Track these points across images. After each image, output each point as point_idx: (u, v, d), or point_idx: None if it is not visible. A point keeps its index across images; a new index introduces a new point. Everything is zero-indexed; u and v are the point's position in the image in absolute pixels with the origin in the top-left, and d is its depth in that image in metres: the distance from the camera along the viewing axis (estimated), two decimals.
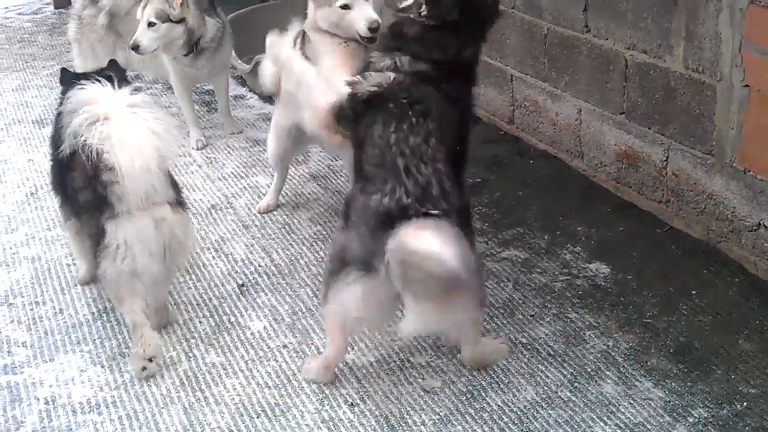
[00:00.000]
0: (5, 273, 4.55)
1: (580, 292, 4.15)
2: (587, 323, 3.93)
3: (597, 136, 5.08)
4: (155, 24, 5.35)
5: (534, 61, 5.51)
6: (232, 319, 4.11)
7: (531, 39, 5.49)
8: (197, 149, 5.90)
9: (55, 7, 9.19)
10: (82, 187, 3.67)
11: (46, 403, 3.63)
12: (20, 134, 6.24)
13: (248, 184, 5.39)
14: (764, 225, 4.09)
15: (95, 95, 3.60)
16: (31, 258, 4.68)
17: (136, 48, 5.40)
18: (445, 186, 3.25)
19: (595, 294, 4.12)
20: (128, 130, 3.49)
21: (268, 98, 6.56)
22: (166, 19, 5.37)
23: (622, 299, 4.07)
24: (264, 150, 5.57)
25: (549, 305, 4.07)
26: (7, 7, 9.28)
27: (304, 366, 3.74)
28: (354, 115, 3.42)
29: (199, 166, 5.68)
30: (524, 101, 5.68)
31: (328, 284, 3.40)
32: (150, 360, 3.72)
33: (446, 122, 3.36)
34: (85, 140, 3.46)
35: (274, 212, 5.02)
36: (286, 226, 4.87)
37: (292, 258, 4.57)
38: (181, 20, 5.42)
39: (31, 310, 4.23)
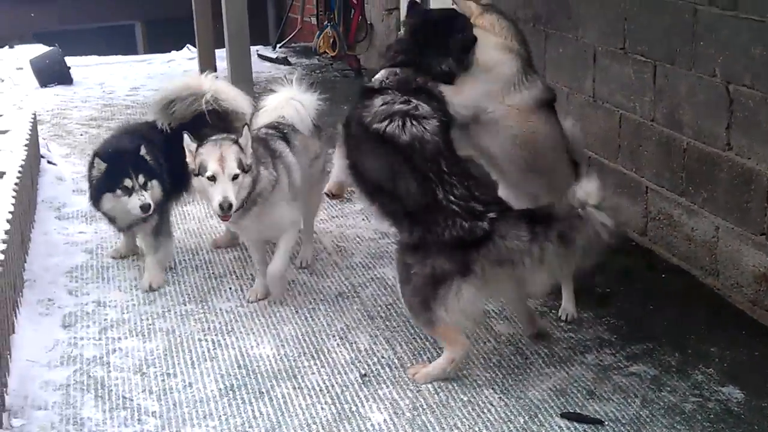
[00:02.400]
0: (141, 343, 4.73)
1: (711, 416, 4.01)
2: None
3: (734, 255, 4.96)
4: (238, 176, 4.62)
5: (671, 174, 5.46)
6: (353, 409, 4.13)
7: (669, 153, 5.46)
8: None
9: None
10: None
11: None
12: None
13: (375, 276, 5.47)
14: None
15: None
16: (166, 330, 4.85)
17: (228, 207, 4.55)
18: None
19: (727, 419, 3.98)
20: None
21: None
22: (245, 168, 4.66)
23: (755, 427, 3.92)
24: (391, 242, 5.66)
25: (678, 426, 3.94)
26: None
27: (420, 372, 4.36)
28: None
29: (329, 254, 5.80)
30: (659, 214, 5.62)
31: (430, 304, 4.12)
32: None
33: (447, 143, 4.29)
34: None
35: (398, 304, 5.07)
36: (410, 320, 4.90)
37: (416, 351, 4.59)
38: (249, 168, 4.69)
39: (163, 381, 4.37)
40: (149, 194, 5.12)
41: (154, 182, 5.19)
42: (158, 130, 5.55)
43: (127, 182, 5.08)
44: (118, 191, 5.10)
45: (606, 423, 3.97)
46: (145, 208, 5.09)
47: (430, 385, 4.29)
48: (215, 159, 4.57)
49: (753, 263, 4.82)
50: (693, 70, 5.14)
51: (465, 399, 4.20)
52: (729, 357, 4.47)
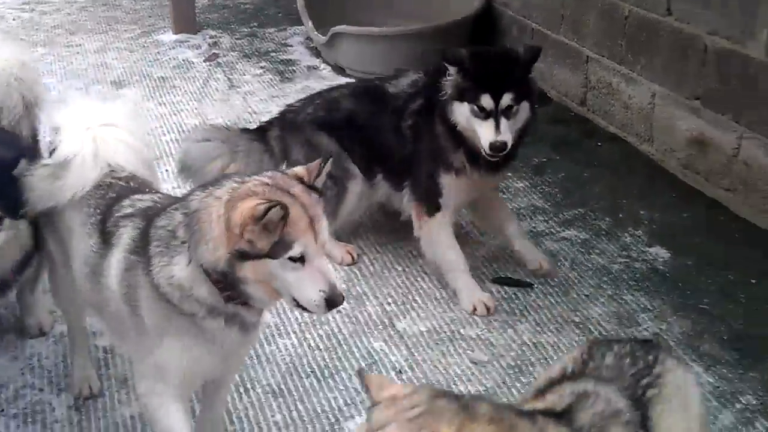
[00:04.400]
0: None
1: (637, 275, 4.11)
2: (642, 306, 3.89)
3: (669, 121, 4.99)
4: None
5: (612, 42, 5.43)
6: None
7: (611, 21, 5.41)
8: None
9: None
10: None
11: None
12: (99, 94, 6.40)
13: None
14: None
15: None
16: None
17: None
18: None
19: (652, 278, 4.08)
20: None
21: (341, 69, 6.63)
22: None
23: (679, 284, 4.02)
24: None
25: (605, 286, 4.05)
26: None
27: None
28: None
29: None
30: (598, 83, 5.61)
31: None
32: None
33: None
34: None
35: None
36: None
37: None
38: None
39: None
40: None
41: None
42: None
43: None
44: None
45: (536, 286, 4.06)
46: None
47: (365, 257, 4.34)
48: None
49: (686, 127, 4.86)
50: None
51: (399, 269, 4.26)
52: (658, 219, 4.55)
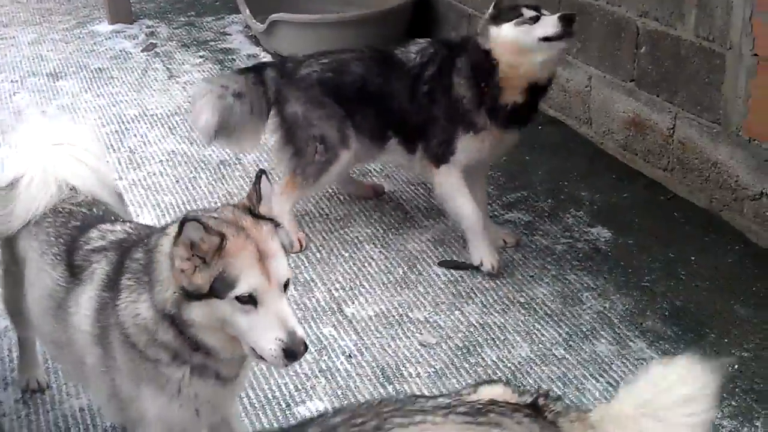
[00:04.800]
0: None
1: (580, 255, 4.19)
2: (585, 285, 3.97)
3: (606, 103, 5.09)
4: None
5: None
6: None
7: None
8: None
9: None
10: None
11: None
12: (34, 86, 6.29)
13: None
14: (766, 194, 4.10)
15: None
16: None
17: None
18: None
19: (594, 257, 4.16)
20: None
21: (280, 57, 6.59)
22: None
23: (621, 263, 4.11)
24: None
25: (548, 267, 4.12)
26: None
27: None
28: None
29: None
30: None
31: None
32: None
33: None
34: None
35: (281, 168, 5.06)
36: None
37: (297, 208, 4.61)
38: None
39: None
40: None
41: None
42: None
43: None
44: None
45: (481, 267, 4.10)
46: None
47: (312, 244, 4.35)
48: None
49: (623, 109, 4.95)
50: None
51: (346, 255, 4.28)
52: (599, 200, 4.63)
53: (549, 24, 3.81)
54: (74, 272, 2.59)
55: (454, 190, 4.09)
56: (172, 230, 2.30)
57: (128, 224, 2.75)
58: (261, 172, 2.39)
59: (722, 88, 4.25)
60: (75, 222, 2.75)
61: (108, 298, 2.47)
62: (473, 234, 4.08)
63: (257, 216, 2.30)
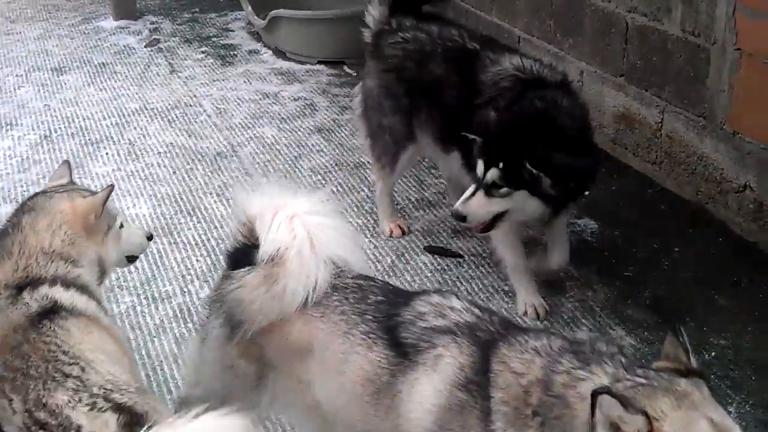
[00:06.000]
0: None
1: None
2: (569, 274, 4.04)
3: (597, 98, 5.14)
4: None
5: (540, 23, 5.57)
6: None
7: (537, 2, 5.55)
8: None
9: None
10: None
11: None
12: (39, 81, 6.41)
13: (254, 135, 5.52)
14: (750, 186, 4.16)
15: None
16: None
17: None
18: None
19: (580, 248, 4.22)
20: None
21: (281, 53, 6.69)
22: None
23: (605, 254, 4.18)
24: (272, 102, 5.72)
25: (534, 257, 4.18)
26: None
27: None
28: None
29: (209, 116, 5.81)
30: None
31: None
32: None
33: None
34: None
35: (276, 160, 5.16)
36: (287, 174, 5.00)
37: None
38: None
39: None
40: None
41: None
42: None
43: None
44: None
45: (465, 257, 4.19)
46: None
47: None
48: None
49: (613, 104, 5.02)
50: None
51: None
52: (588, 193, 4.68)
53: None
54: (404, 352, 2.25)
55: (500, 237, 3.82)
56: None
57: (461, 300, 2.36)
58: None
59: (707, 82, 4.31)
60: (373, 296, 2.41)
61: (465, 402, 2.10)
62: (516, 279, 3.85)
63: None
